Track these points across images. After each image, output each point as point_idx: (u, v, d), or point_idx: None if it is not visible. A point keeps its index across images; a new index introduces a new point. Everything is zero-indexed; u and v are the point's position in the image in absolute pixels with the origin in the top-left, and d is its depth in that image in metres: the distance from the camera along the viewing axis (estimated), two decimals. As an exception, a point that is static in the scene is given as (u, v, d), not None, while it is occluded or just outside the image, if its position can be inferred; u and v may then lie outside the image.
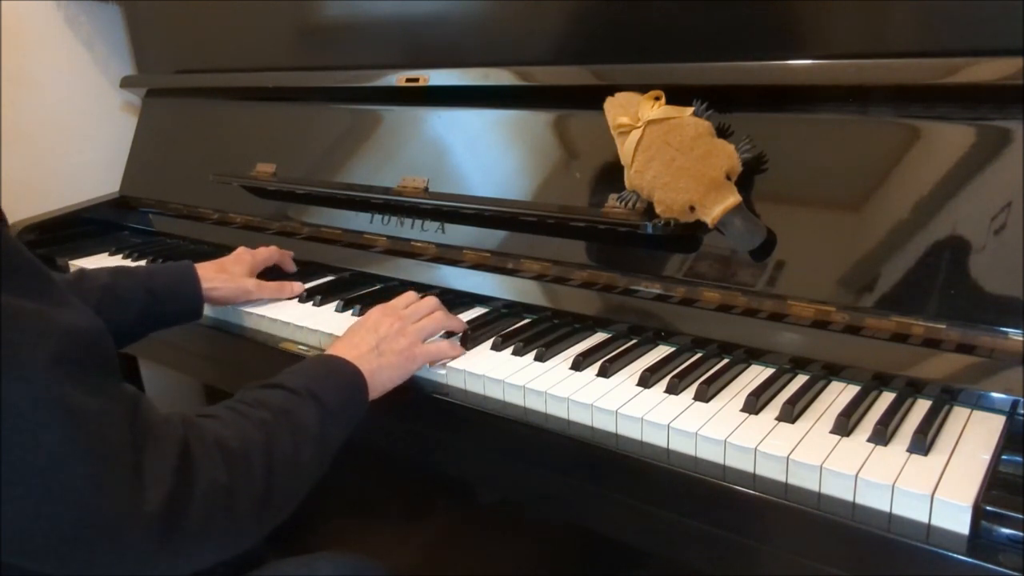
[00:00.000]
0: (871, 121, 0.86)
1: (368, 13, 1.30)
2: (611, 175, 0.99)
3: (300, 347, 1.04)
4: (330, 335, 1.01)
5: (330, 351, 0.84)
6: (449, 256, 1.14)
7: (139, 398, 0.59)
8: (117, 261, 1.41)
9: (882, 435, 0.69)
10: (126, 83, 1.71)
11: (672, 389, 0.81)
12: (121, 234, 1.62)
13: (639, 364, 0.87)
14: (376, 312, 0.91)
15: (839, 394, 0.79)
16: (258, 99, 1.48)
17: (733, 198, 0.87)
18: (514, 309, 1.05)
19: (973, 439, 0.69)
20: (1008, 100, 0.77)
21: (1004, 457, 0.66)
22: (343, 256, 1.26)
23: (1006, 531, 0.60)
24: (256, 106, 1.49)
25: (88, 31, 1.73)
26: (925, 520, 0.62)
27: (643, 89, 0.95)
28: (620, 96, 0.97)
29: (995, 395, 0.74)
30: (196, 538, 0.59)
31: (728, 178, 0.88)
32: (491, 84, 1.12)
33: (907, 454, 0.67)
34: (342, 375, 0.80)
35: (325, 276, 1.23)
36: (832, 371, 0.82)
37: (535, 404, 0.83)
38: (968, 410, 0.74)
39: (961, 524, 0.61)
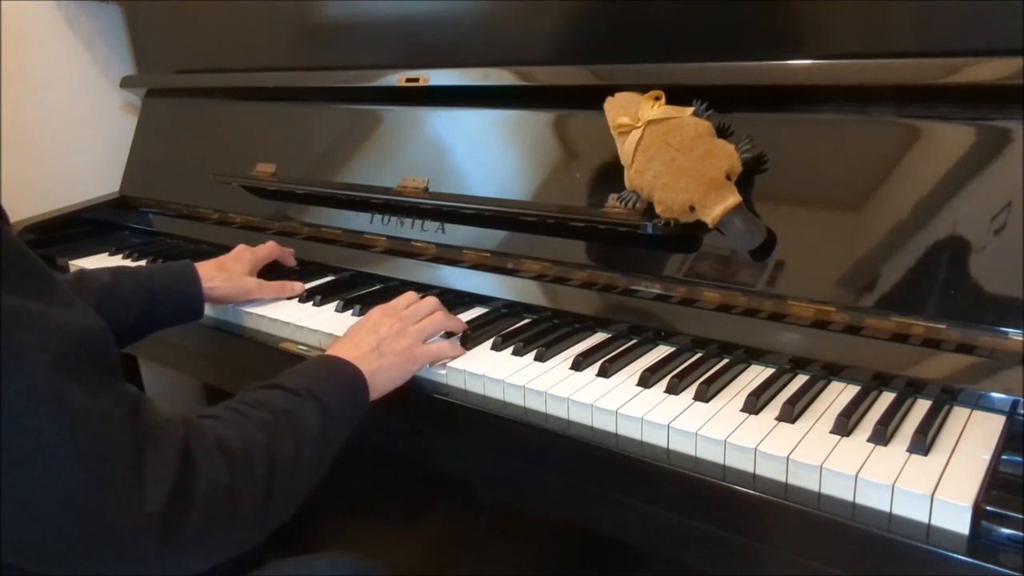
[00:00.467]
0: (871, 121, 0.86)
1: (368, 13, 1.30)
2: (611, 175, 0.99)
3: (300, 347, 1.04)
4: (330, 335, 1.01)
5: (331, 352, 0.84)
6: (449, 256, 1.14)
7: (140, 398, 0.59)
8: (117, 261, 1.41)
9: (882, 435, 0.69)
10: (126, 83, 1.71)
11: (672, 389, 0.81)
12: (121, 234, 1.62)
13: (639, 364, 0.87)
14: (376, 313, 0.91)
15: (839, 394, 0.79)
16: (258, 99, 1.48)
17: (733, 198, 0.87)
18: (514, 309, 1.05)
19: (973, 439, 0.70)
20: (1008, 100, 0.77)
21: (1004, 457, 0.66)
22: (343, 256, 1.26)
23: (1006, 531, 0.60)
24: (256, 106, 1.49)
25: (88, 31, 1.73)
26: (925, 520, 0.62)
27: (643, 89, 0.95)
28: (620, 96, 0.97)
29: (995, 395, 0.74)
30: (197, 539, 0.59)
31: (728, 178, 0.88)
32: (491, 84, 1.12)
33: (907, 454, 0.67)
34: (343, 376, 0.80)
35: (325, 276, 1.23)
36: (832, 371, 0.82)
37: (535, 404, 0.83)
38: (968, 410, 0.74)
39: (961, 524, 0.61)
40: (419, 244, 1.18)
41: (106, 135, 1.77)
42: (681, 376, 0.82)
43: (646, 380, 0.82)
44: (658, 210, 0.92)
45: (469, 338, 0.95)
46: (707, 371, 0.84)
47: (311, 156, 1.36)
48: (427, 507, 1.49)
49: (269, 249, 1.19)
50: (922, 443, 0.67)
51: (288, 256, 1.23)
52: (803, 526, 0.67)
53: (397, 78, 1.22)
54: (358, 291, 1.15)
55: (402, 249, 1.20)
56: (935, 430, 0.70)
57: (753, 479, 0.70)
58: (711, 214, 0.87)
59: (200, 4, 1.55)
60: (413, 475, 1.42)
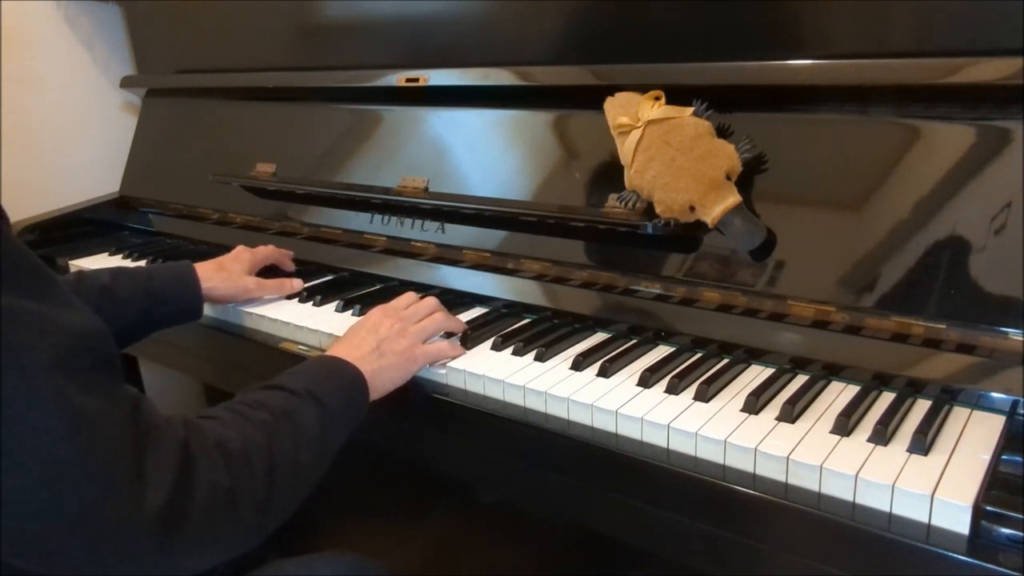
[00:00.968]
0: (871, 121, 0.86)
1: (368, 13, 1.30)
2: (611, 175, 0.99)
3: (300, 347, 1.04)
4: (330, 335, 1.01)
5: (331, 352, 0.85)
6: (449, 256, 1.14)
7: (140, 399, 0.59)
8: (117, 261, 1.41)
9: (882, 435, 0.69)
10: (126, 83, 1.71)
11: (672, 389, 0.81)
12: (121, 234, 1.62)
13: (639, 364, 0.87)
14: (376, 313, 0.91)
15: (839, 394, 0.79)
16: (258, 99, 1.48)
17: (733, 198, 0.87)
18: (514, 309, 1.05)
19: (973, 439, 0.70)
20: (1008, 100, 0.77)
21: (1004, 457, 0.66)
22: (343, 256, 1.26)
23: (1006, 531, 0.60)
24: (256, 106, 1.49)
25: (88, 31, 1.73)
26: (925, 520, 0.62)
27: (643, 89, 0.95)
28: (620, 96, 0.97)
29: (995, 395, 0.74)
30: (197, 539, 0.59)
31: (728, 178, 0.88)
32: (491, 84, 1.12)
33: (907, 454, 0.67)
34: (343, 376, 0.80)
35: (325, 276, 1.24)
36: (832, 371, 0.82)
37: (535, 404, 0.83)
38: (968, 410, 0.74)
39: (961, 524, 0.61)
40: (419, 244, 1.18)
41: (106, 135, 1.77)
42: (681, 376, 0.82)
43: (646, 380, 0.82)
44: (658, 210, 0.92)
45: (469, 338, 0.95)
46: (707, 371, 0.84)
47: (311, 156, 1.36)
48: (427, 507, 1.49)
49: (268, 251, 1.19)
50: (922, 443, 0.67)
51: (287, 260, 1.23)
52: (803, 526, 0.67)
53: (397, 78, 1.22)
54: (358, 291, 1.15)
55: (402, 249, 1.20)
56: (935, 430, 0.70)
57: (753, 479, 0.70)
58: (711, 214, 0.87)
59: (200, 4, 1.55)
60: (413, 475, 1.42)
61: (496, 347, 0.93)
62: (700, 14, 0.96)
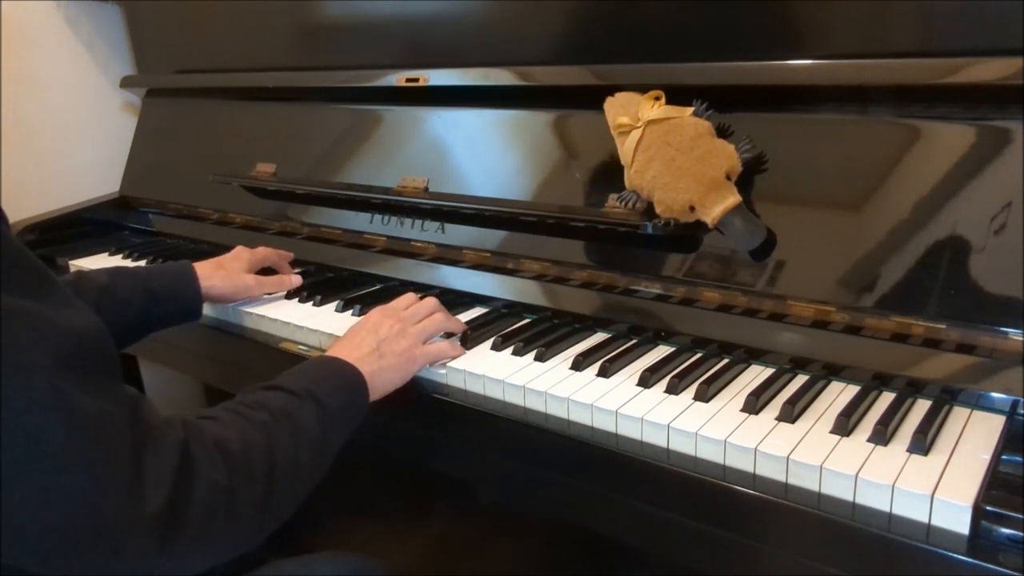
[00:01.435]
0: (871, 121, 0.86)
1: (368, 13, 1.30)
2: (611, 175, 0.98)
3: (300, 347, 1.04)
4: (330, 335, 1.01)
5: (330, 352, 0.84)
6: (449, 256, 1.14)
7: (139, 399, 0.59)
8: (117, 261, 1.41)
9: (882, 435, 0.69)
10: (126, 83, 1.71)
11: (672, 389, 0.81)
12: (121, 234, 1.62)
13: (639, 364, 0.87)
14: (376, 313, 0.91)
15: (839, 394, 0.79)
16: (258, 99, 1.48)
17: (733, 198, 0.87)
18: (514, 309, 1.05)
19: (973, 439, 0.70)
20: (1008, 100, 0.77)
21: (1004, 457, 0.66)
22: (343, 256, 1.26)
23: (1006, 531, 0.60)
24: (256, 106, 1.49)
25: (88, 31, 1.73)
26: (925, 520, 0.62)
27: (643, 89, 0.95)
28: (620, 96, 0.97)
29: (995, 395, 0.74)
30: (196, 540, 0.59)
31: (728, 178, 0.88)
32: (491, 84, 1.12)
33: (907, 454, 0.67)
34: (343, 377, 0.80)
35: (325, 276, 1.23)
36: (832, 371, 0.82)
37: (535, 404, 0.83)
38: (968, 410, 0.74)
39: (961, 524, 0.61)
40: (419, 244, 1.18)
41: (106, 135, 1.77)
42: (681, 376, 0.82)
43: (646, 380, 0.82)
44: (658, 210, 0.92)
45: (469, 338, 0.95)
46: (707, 371, 0.84)
47: (311, 156, 1.36)
48: (427, 507, 1.49)
49: (266, 252, 1.19)
50: (922, 443, 0.67)
51: (285, 263, 1.22)
52: (803, 526, 0.67)
53: (397, 78, 1.21)
54: (358, 291, 1.15)
55: (402, 249, 1.20)
56: (935, 430, 0.70)
57: (753, 479, 0.70)
58: (711, 214, 0.87)
59: (200, 4, 1.55)
60: (413, 475, 1.42)
61: (496, 347, 0.93)
62: (700, 14, 0.96)
